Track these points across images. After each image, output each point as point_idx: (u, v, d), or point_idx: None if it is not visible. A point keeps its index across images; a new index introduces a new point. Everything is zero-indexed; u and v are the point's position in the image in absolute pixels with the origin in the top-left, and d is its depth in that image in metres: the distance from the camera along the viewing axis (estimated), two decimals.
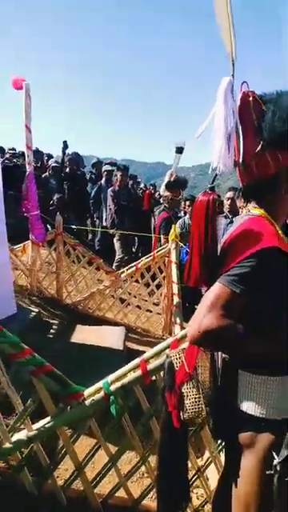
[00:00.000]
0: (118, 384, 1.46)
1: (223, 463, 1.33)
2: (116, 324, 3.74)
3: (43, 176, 6.10)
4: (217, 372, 1.13)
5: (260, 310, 0.97)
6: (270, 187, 1.03)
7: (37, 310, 3.32)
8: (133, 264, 3.90)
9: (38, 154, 6.95)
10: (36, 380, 1.47)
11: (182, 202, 5.20)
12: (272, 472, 0.89)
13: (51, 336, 3.09)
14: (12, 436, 1.55)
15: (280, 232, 1.01)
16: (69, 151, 6.53)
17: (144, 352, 1.56)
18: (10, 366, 1.63)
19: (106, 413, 1.48)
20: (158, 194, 7.44)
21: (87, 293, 4.03)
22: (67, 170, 6.24)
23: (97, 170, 7.26)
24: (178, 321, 2.52)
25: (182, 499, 1.21)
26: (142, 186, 9.23)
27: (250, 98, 1.02)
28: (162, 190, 4.24)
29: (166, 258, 3.62)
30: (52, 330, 3.18)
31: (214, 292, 0.95)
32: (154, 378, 1.47)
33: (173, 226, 3.64)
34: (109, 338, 3.02)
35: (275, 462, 0.88)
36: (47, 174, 6.23)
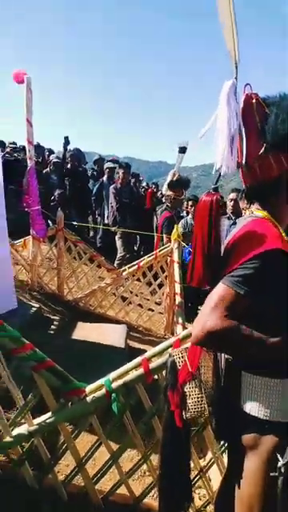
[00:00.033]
0: (120, 382, 1.47)
1: (226, 464, 1.34)
2: (117, 322, 3.74)
3: (44, 172, 6.08)
4: (220, 372, 1.13)
5: (263, 312, 0.97)
6: (273, 189, 1.04)
7: (37, 305, 3.32)
8: (135, 262, 3.90)
9: (39, 148, 6.93)
10: (37, 375, 1.47)
11: (185, 202, 5.19)
12: (276, 474, 0.89)
13: (52, 332, 3.09)
14: (13, 430, 1.55)
15: (283, 234, 1.01)
16: (70, 147, 6.51)
17: (146, 351, 1.56)
18: (10, 360, 1.63)
19: (107, 410, 1.48)
20: (160, 193, 7.42)
21: (88, 290, 4.04)
22: (69, 165, 6.22)
23: (98, 167, 7.25)
24: (181, 320, 2.52)
25: (184, 499, 1.22)
26: (144, 184, 9.21)
27: (254, 101, 1.02)
28: (165, 189, 4.22)
29: (168, 258, 3.61)
30: (53, 326, 3.18)
31: (217, 293, 0.96)
32: (156, 376, 1.47)
33: (175, 225, 3.63)
34: (110, 335, 3.02)
35: (279, 463, 0.88)
36: (48, 169, 6.22)
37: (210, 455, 1.64)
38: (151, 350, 1.52)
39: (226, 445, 1.39)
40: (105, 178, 6.33)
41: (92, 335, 2.95)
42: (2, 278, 2.57)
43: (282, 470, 0.88)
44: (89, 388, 1.50)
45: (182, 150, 3.88)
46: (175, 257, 3.32)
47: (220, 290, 0.95)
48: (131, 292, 4.11)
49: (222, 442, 1.53)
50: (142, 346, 3.24)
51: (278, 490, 0.89)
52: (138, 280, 4.02)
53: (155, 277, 3.93)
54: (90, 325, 3.26)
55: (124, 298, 4.11)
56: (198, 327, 0.95)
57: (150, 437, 1.62)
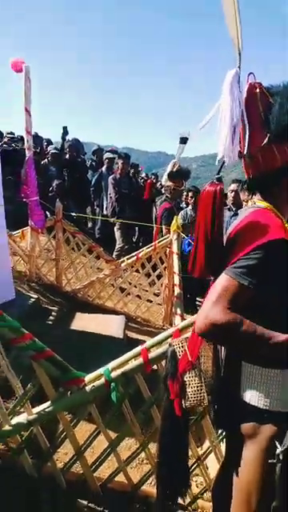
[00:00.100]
0: (119, 371, 1.47)
1: (223, 453, 1.35)
2: (116, 313, 3.75)
3: (42, 163, 6.02)
4: (220, 362, 1.14)
5: (267, 303, 0.97)
6: (276, 180, 1.03)
7: (36, 296, 3.31)
8: (134, 253, 3.89)
9: (37, 139, 6.84)
10: (36, 365, 1.48)
11: (184, 193, 5.16)
12: (274, 461, 0.89)
13: (50, 323, 3.09)
14: (12, 419, 1.56)
15: (286, 224, 1.00)
16: (68, 137, 6.43)
17: (144, 341, 1.56)
18: (9, 349, 1.63)
19: (106, 400, 1.49)
20: (159, 183, 7.37)
21: (87, 281, 4.03)
22: (67, 156, 6.16)
23: (97, 158, 7.18)
24: (179, 312, 2.53)
25: (181, 486, 1.23)
26: (143, 175, 9.14)
27: (257, 90, 1.01)
28: (164, 180, 4.18)
29: (168, 249, 3.60)
30: (51, 317, 3.18)
31: (221, 284, 0.95)
32: (155, 367, 1.48)
33: (175, 216, 3.61)
34: (109, 326, 3.03)
35: (278, 450, 0.89)
36: (46, 160, 6.15)
37: (207, 444, 1.66)
38: (150, 340, 1.53)
39: (224, 434, 1.41)
40: (104, 168, 6.27)
41: (90, 326, 2.96)
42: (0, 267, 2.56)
43: (280, 457, 0.88)
44: (88, 377, 1.50)
45: (183, 140, 3.83)
46: (174, 248, 3.31)
47: (223, 281, 0.95)
48: (130, 283, 4.11)
49: (219, 431, 1.54)
50: (140, 337, 3.25)
51: (276, 476, 0.90)
52: (137, 271, 4.02)
53: (154, 268, 3.92)
54: (88, 315, 3.26)
55: (122, 289, 4.11)
56: (202, 318, 0.95)
57: (147, 426, 1.63)
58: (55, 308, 3.38)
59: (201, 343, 1.16)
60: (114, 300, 4.07)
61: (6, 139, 6.20)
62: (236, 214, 3.56)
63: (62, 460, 1.73)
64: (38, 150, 6.44)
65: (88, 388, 1.48)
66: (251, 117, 1.01)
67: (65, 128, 6.33)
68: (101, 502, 1.55)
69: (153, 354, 1.46)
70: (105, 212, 5.97)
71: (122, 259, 4.04)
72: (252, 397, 1.00)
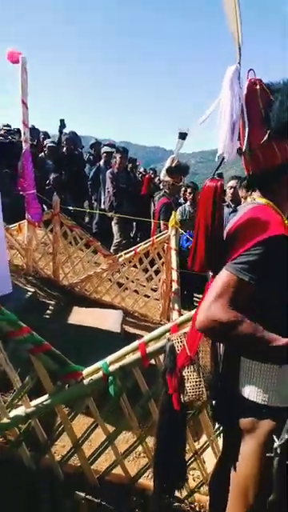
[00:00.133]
0: (117, 365, 1.48)
1: (220, 447, 1.36)
2: (113, 307, 3.75)
3: (39, 156, 5.96)
4: (218, 357, 1.14)
5: (267, 298, 0.97)
6: (276, 177, 1.03)
7: (33, 290, 3.31)
8: (131, 248, 3.89)
9: (34, 131, 6.76)
10: (34, 358, 1.47)
11: (183, 189, 5.14)
12: (272, 455, 0.90)
13: (48, 316, 3.08)
14: (10, 412, 1.56)
15: (286, 221, 1.00)
16: (66, 130, 6.36)
17: (142, 336, 1.57)
18: (7, 343, 1.63)
19: (104, 394, 1.49)
20: (157, 178, 7.34)
21: (84, 275, 4.02)
22: (64, 149, 6.10)
23: (95, 151, 7.12)
24: (176, 307, 2.53)
25: (178, 480, 1.25)
26: (141, 170, 9.09)
27: (257, 87, 1.00)
28: (163, 175, 4.16)
29: (165, 244, 3.60)
30: (48, 311, 3.18)
31: (222, 280, 0.95)
32: (153, 361, 1.48)
33: (173, 212, 3.60)
34: (106, 320, 3.03)
35: (275, 444, 0.89)
36: (43, 154, 6.09)
37: (204, 438, 1.68)
38: (149, 335, 1.53)
39: (221, 428, 1.42)
40: (102, 162, 6.23)
41: (88, 320, 2.96)
42: None
43: (278, 451, 0.89)
44: (86, 371, 1.51)
45: (183, 135, 3.80)
46: (172, 243, 3.31)
47: (224, 277, 0.95)
48: (127, 278, 4.10)
49: (217, 426, 1.56)
50: (137, 332, 3.26)
51: (274, 470, 0.91)
52: (135, 266, 4.01)
53: (152, 263, 3.92)
54: (85, 309, 3.26)
55: (120, 284, 4.11)
56: (202, 314, 0.95)
57: (145, 419, 1.64)
58: (52, 302, 3.37)
59: (200, 338, 1.16)
60: (112, 295, 4.07)
61: (2, 132, 6.12)
62: (235, 211, 3.56)
63: (60, 453, 1.73)
64: (34, 143, 6.37)
65: (86, 381, 1.48)
66: (251, 113, 1.00)
67: (62, 121, 6.25)
68: (98, 494, 1.57)
69: (150, 348, 1.46)
70: (102, 206, 5.94)
71: (119, 254, 4.03)
72: (251, 392, 1.00)
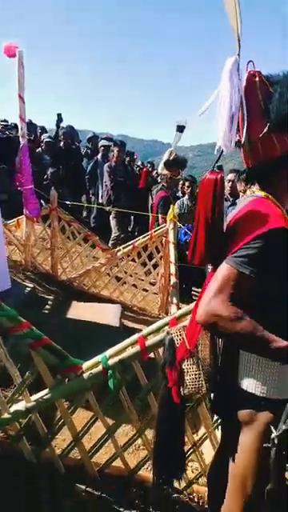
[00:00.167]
0: (117, 359, 1.48)
1: (218, 439, 1.38)
2: (112, 302, 3.75)
3: (37, 151, 5.91)
4: (217, 350, 1.14)
5: (267, 292, 0.97)
6: (275, 169, 1.02)
7: (32, 285, 3.30)
8: (130, 242, 3.88)
9: (31, 126, 6.69)
10: (34, 353, 1.48)
11: (181, 183, 5.11)
12: (269, 445, 0.91)
13: (47, 312, 3.09)
14: (10, 407, 1.57)
15: (286, 214, 1.00)
16: (63, 124, 6.30)
17: (140, 330, 1.57)
18: (7, 338, 1.63)
19: (104, 387, 1.50)
20: (155, 172, 7.30)
21: (82, 270, 4.02)
22: (61, 144, 6.04)
23: (93, 145, 7.06)
24: (175, 301, 2.54)
25: (177, 471, 1.26)
26: (139, 163, 9.03)
27: (257, 79, 0.99)
28: (161, 169, 4.14)
29: (164, 238, 3.60)
30: (47, 306, 3.18)
31: (222, 273, 0.95)
32: (152, 355, 1.49)
33: (171, 205, 3.59)
34: (105, 314, 3.04)
35: (273, 435, 0.90)
36: (40, 149, 6.03)
37: (203, 430, 1.69)
38: (147, 328, 1.54)
39: (220, 420, 1.43)
40: (99, 156, 6.18)
41: (86, 314, 2.96)
42: None
43: (276, 442, 0.90)
44: (85, 365, 1.51)
45: (180, 128, 3.77)
46: (171, 237, 3.31)
47: (224, 270, 0.95)
48: (126, 272, 4.10)
49: (215, 418, 1.57)
50: (136, 326, 3.27)
51: (271, 460, 0.92)
52: (133, 260, 4.01)
53: (150, 257, 3.92)
54: (84, 304, 3.26)
55: (118, 278, 4.11)
56: (203, 308, 0.95)
57: (144, 412, 1.65)
58: (51, 297, 3.37)
59: (199, 331, 1.17)
60: (110, 289, 4.07)
61: None
62: (233, 204, 3.55)
63: (60, 446, 1.75)
64: (32, 138, 6.31)
65: (85, 375, 1.49)
66: (250, 106, 0.99)
67: (59, 115, 6.19)
68: (98, 487, 1.58)
69: (150, 341, 1.47)
70: (100, 200, 5.91)
71: (117, 248, 4.03)
72: (249, 384, 1.01)
